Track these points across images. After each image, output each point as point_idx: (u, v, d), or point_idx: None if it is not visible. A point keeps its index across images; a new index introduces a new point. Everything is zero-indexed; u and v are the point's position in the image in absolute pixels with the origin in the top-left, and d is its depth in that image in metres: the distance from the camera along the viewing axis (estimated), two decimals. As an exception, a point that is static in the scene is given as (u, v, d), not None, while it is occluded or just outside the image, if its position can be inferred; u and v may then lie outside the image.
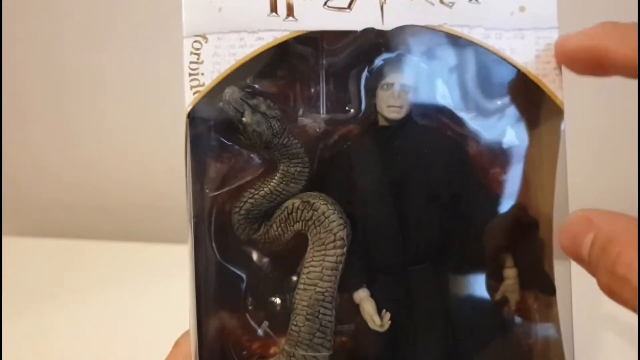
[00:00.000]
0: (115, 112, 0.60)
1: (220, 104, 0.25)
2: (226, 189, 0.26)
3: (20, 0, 0.56)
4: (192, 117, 0.24)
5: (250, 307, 0.27)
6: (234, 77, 0.24)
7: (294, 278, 0.27)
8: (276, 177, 0.26)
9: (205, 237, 0.26)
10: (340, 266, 0.26)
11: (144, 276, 0.57)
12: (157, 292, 0.55)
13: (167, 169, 0.59)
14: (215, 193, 0.26)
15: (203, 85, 0.24)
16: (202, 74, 0.24)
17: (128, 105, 0.59)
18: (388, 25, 0.25)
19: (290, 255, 0.27)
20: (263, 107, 0.25)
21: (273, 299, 0.28)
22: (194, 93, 0.24)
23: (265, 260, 0.28)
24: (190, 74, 0.24)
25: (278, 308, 0.27)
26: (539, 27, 0.25)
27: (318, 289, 0.25)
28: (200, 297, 0.26)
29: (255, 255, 0.28)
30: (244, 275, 0.27)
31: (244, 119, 0.25)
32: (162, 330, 0.52)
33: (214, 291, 0.26)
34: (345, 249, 0.26)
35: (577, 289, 0.26)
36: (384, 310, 0.26)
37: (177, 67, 0.55)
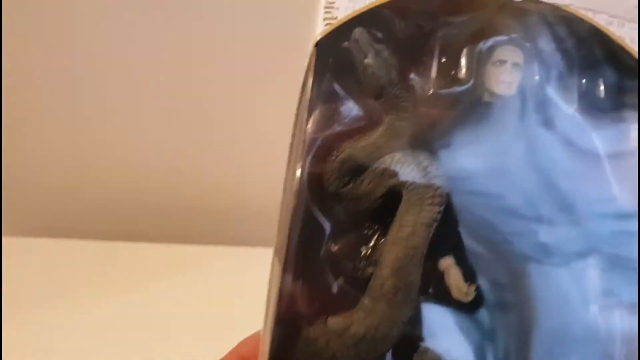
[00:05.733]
0: (116, 112, 0.60)
1: (347, 42, 0.25)
2: (327, 132, 0.26)
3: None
4: (320, 47, 0.24)
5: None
6: (364, 19, 0.25)
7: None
8: (379, 130, 0.26)
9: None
10: (435, 224, 0.25)
11: (144, 276, 0.57)
12: (157, 292, 0.56)
13: (168, 169, 0.60)
14: (316, 135, 0.26)
15: (335, 18, 0.24)
16: (337, 8, 0.24)
17: (128, 105, 0.60)
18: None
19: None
20: (385, 54, 0.25)
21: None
22: (326, 25, 0.24)
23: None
24: (325, 6, 0.24)
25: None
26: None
27: (409, 244, 0.25)
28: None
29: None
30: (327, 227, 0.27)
31: (366, 60, 0.25)
32: (162, 330, 0.52)
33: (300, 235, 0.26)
34: (442, 208, 0.25)
35: None
36: (468, 282, 0.26)
37: (177, 68, 0.56)
